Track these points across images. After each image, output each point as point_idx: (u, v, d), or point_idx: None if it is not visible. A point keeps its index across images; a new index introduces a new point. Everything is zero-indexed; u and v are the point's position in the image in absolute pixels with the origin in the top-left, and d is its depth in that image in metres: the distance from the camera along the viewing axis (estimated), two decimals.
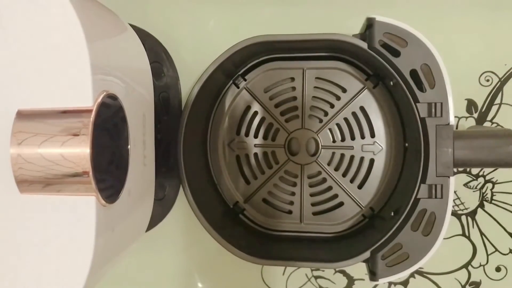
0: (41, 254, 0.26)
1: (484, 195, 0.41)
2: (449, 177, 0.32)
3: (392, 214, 0.37)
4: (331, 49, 0.38)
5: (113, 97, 0.27)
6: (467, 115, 0.41)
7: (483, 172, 0.41)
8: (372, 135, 0.40)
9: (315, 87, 0.40)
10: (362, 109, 0.40)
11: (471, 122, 0.41)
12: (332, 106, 0.40)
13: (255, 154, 0.41)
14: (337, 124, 0.40)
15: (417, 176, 0.33)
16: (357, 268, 0.37)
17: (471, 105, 0.41)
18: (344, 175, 0.40)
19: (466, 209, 0.41)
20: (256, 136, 0.41)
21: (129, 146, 0.29)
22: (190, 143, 0.38)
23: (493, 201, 0.41)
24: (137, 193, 0.32)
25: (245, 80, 0.41)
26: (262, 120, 0.41)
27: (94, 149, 0.24)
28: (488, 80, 0.40)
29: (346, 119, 0.40)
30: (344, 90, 0.40)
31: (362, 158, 0.40)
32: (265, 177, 0.41)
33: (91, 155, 0.24)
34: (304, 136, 0.40)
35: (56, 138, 0.24)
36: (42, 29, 0.25)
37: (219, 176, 0.42)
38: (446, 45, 0.39)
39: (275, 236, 0.41)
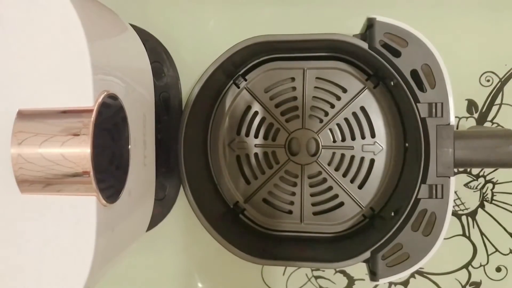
0: (41, 254, 0.26)
1: (485, 195, 0.41)
2: (449, 177, 0.32)
3: (393, 214, 0.37)
4: (331, 49, 0.38)
5: (113, 97, 0.27)
6: (468, 115, 0.41)
7: (484, 172, 0.41)
8: (373, 135, 0.40)
9: (315, 87, 0.40)
10: (362, 109, 0.40)
11: (471, 122, 0.41)
12: (332, 106, 0.40)
13: (256, 154, 0.41)
14: (338, 124, 0.40)
15: (418, 176, 0.33)
16: (358, 268, 0.37)
17: (471, 105, 0.41)
18: (344, 175, 0.40)
19: (467, 209, 0.41)
20: (256, 136, 0.41)
21: (129, 146, 0.29)
22: (191, 143, 0.38)
23: (493, 201, 0.41)
24: (138, 193, 0.32)
25: (245, 80, 0.41)
26: (263, 120, 0.41)
27: (95, 149, 0.24)
28: (488, 80, 0.40)
29: (346, 119, 0.40)
30: (344, 90, 0.40)
31: (362, 158, 0.40)
32: (266, 177, 0.41)
33: (92, 155, 0.24)
34: (305, 136, 0.40)
35: (56, 138, 0.24)
36: (42, 29, 0.25)
37: (219, 176, 0.42)
38: (447, 45, 0.39)
39: (275, 236, 0.41)
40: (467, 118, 0.41)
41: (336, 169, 0.40)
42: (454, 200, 0.41)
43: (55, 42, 0.25)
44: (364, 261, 0.34)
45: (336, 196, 0.40)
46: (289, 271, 0.43)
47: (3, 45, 0.26)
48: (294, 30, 0.36)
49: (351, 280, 0.42)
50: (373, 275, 0.33)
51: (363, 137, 0.40)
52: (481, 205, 0.41)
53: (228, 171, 0.42)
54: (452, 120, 0.32)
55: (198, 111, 0.38)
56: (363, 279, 0.42)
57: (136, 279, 0.44)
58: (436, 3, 0.40)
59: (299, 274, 0.43)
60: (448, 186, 0.32)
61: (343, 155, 0.40)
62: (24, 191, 0.25)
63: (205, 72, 0.36)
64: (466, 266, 0.41)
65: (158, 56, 0.40)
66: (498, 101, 0.40)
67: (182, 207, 0.43)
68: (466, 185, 0.41)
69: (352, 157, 0.40)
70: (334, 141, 0.40)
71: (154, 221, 0.41)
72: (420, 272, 0.42)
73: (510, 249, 0.41)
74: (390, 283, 0.42)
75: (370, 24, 0.33)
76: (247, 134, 0.41)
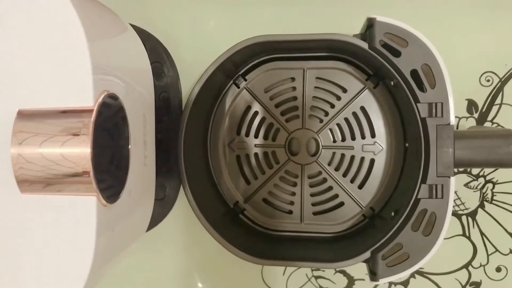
0: (41, 254, 0.26)
1: (485, 195, 0.41)
2: (449, 177, 0.32)
3: (393, 214, 0.37)
4: (331, 49, 0.38)
5: (113, 97, 0.27)
6: (468, 115, 0.41)
7: (484, 172, 0.41)
8: (373, 135, 0.40)
9: (315, 87, 0.40)
10: (362, 109, 0.40)
11: (471, 122, 0.41)
12: (332, 106, 0.40)
13: (256, 154, 0.41)
14: (338, 124, 0.40)
15: (418, 176, 0.33)
16: (358, 268, 0.37)
17: (471, 105, 0.41)
18: (344, 175, 0.40)
19: (467, 209, 0.41)
20: (256, 136, 0.41)
21: (129, 146, 0.29)
22: (191, 143, 0.38)
23: (493, 201, 0.41)
24: (138, 193, 0.32)
25: (245, 80, 0.41)
26: (263, 120, 0.41)
27: (95, 149, 0.24)
28: (488, 80, 0.40)
29: (346, 119, 0.40)
30: (344, 90, 0.40)
31: (362, 158, 0.40)
32: (266, 177, 0.41)
33: (92, 155, 0.24)
34: (305, 136, 0.40)
35: (56, 138, 0.24)
36: (42, 29, 0.25)
37: (219, 176, 0.42)
38: (447, 45, 0.39)
39: (275, 236, 0.41)
40: (467, 118, 0.41)
41: (336, 169, 0.40)
42: (454, 200, 0.41)
43: (55, 42, 0.25)
44: (364, 261, 0.34)
45: (336, 196, 0.40)
46: (289, 271, 0.43)
47: (3, 45, 0.26)
48: (294, 30, 0.36)
49: (351, 280, 0.42)
50: (373, 275, 0.33)
51: (363, 137, 0.40)
52: (481, 205, 0.41)
53: (228, 171, 0.42)
54: (452, 120, 0.32)
55: (198, 111, 0.38)
56: (363, 279, 0.42)
57: (136, 279, 0.44)
58: (436, 3, 0.40)
59: (299, 274, 0.43)
60: (448, 186, 0.32)
61: (343, 155, 0.40)
62: (24, 191, 0.25)
63: (205, 72, 0.36)
64: (466, 266, 0.41)
65: (158, 56, 0.40)
66: (498, 101, 0.40)
67: (182, 207, 0.43)
68: (466, 185, 0.41)
69: (352, 157, 0.40)
70: (334, 141, 0.40)
71: (154, 221, 0.41)
72: (420, 272, 0.42)
73: (510, 249, 0.41)
74: (390, 283, 0.42)
75: (370, 24, 0.33)
76: (247, 134, 0.41)
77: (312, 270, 0.43)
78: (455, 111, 0.32)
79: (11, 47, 0.26)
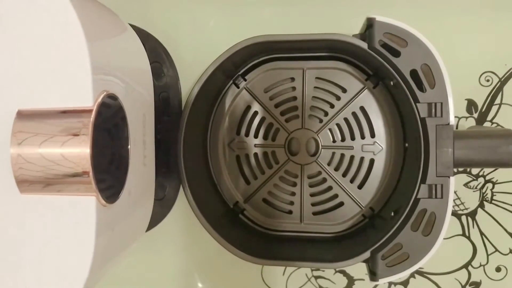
0: (41, 254, 0.26)
1: (484, 195, 0.41)
2: (449, 177, 0.32)
3: (392, 214, 0.37)
4: (331, 49, 0.38)
5: (113, 97, 0.27)
6: (467, 115, 0.41)
7: (483, 172, 0.41)
8: (372, 135, 0.40)
9: (315, 87, 0.40)
10: (362, 109, 0.40)
11: (471, 122, 0.41)
12: (332, 106, 0.40)
13: (255, 154, 0.41)
14: (337, 124, 0.40)
15: (417, 176, 0.33)
16: (357, 268, 0.37)
17: (471, 105, 0.41)
18: (344, 175, 0.40)
19: (466, 209, 0.41)
20: (256, 136, 0.41)
21: (129, 146, 0.29)
22: (190, 143, 0.38)
23: (493, 201, 0.41)
24: (137, 193, 0.32)
25: (245, 80, 0.41)
26: (262, 120, 0.41)
27: (94, 149, 0.24)
28: (488, 80, 0.40)
29: (346, 119, 0.40)
30: (344, 90, 0.40)
31: (362, 158, 0.40)
32: (265, 177, 0.41)
33: (91, 155, 0.24)
34: (304, 136, 0.40)
35: (56, 138, 0.24)
36: (42, 29, 0.25)
37: (219, 176, 0.42)
38: (446, 45, 0.39)
39: (275, 236, 0.41)
40: (466, 118, 0.41)
41: (336, 169, 0.40)
42: (454, 200, 0.41)
43: (55, 42, 0.25)
44: (364, 261, 0.34)
45: (336, 196, 0.40)
46: (289, 271, 0.43)
47: (3, 45, 0.26)
48: (294, 30, 0.36)
49: (351, 280, 0.42)
50: (373, 275, 0.34)
51: (362, 137, 0.40)
52: (481, 205, 0.41)
53: (228, 171, 0.42)
54: (452, 120, 0.32)
55: (197, 111, 0.38)
56: (363, 279, 0.42)
57: (136, 279, 0.45)
58: (436, 3, 0.40)
59: (299, 274, 0.43)
60: (447, 186, 0.32)
61: (342, 155, 0.40)
62: (23, 191, 0.25)
63: (205, 72, 0.36)
64: (466, 266, 0.41)
65: (158, 56, 0.40)
66: (497, 101, 0.40)
67: (182, 207, 0.43)
68: (466, 185, 0.41)
69: (352, 157, 0.40)
70: (334, 141, 0.40)
71: (154, 221, 0.41)
72: (420, 272, 0.42)
73: (510, 249, 0.41)
74: (390, 283, 0.42)
75: (370, 24, 0.33)
76: (247, 134, 0.41)
77: (312, 270, 0.43)
78: (454, 111, 0.32)
79: (11, 47, 0.26)
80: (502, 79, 0.40)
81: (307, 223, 0.41)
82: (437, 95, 0.32)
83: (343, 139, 0.40)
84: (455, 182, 0.33)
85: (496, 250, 0.41)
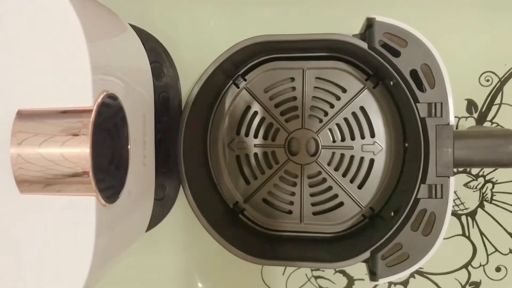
0: (41, 254, 0.26)
1: (484, 195, 0.41)
2: (449, 177, 0.32)
3: (392, 214, 0.37)
4: (331, 49, 0.38)
5: (113, 97, 0.27)
6: (467, 115, 0.41)
7: (483, 172, 0.41)
8: (372, 135, 0.40)
9: (315, 87, 0.40)
10: (362, 109, 0.40)
11: (471, 122, 0.41)
12: (332, 106, 0.40)
13: (255, 154, 0.41)
14: (337, 124, 0.40)
15: (417, 176, 0.33)
16: (357, 268, 0.37)
17: (471, 105, 0.41)
18: (344, 175, 0.40)
19: (466, 209, 0.41)
20: (256, 136, 0.41)
21: (129, 146, 0.29)
22: (190, 143, 0.38)
23: (493, 201, 0.41)
24: (137, 193, 0.32)
25: (245, 80, 0.41)
26: (262, 120, 0.41)
27: (94, 149, 0.24)
28: (488, 80, 0.40)
29: (346, 119, 0.40)
30: (344, 90, 0.40)
31: (362, 158, 0.40)
32: (265, 177, 0.41)
33: (91, 155, 0.24)
34: (304, 136, 0.40)
35: (56, 138, 0.24)
36: (42, 29, 0.25)
37: (219, 176, 0.42)
38: (446, 45, 0.39)
39: (275, 236, 0.41)
40: (466, 118, 0.41)
41: (336, 169, 0.40)
42: (454, 200, 0.41)
43: (55, 42, 0.25)
44: (363, 261, 0.34)
45: (335, 196, 0.40)
46: (288, 271, 0.43)
47: (3, 45, 0.26)
48: (294, 30, 0.36)
49: (350, 280, 0.42)
50: (373, 275, 0.34)
51: (362, 137, 0.40)
52: (481, 205, 0.41)
53: (228, 171, 0.42)
54: (452, 120, 0.32)
55: (197, 111, 0.38)
56: (363, 279, 0.42)
57: (136, 279, 0.45)
58: (436, 3, 0.40)
59: (299, 274, 0.43)
60: (447, 186, 0.32)
61: (342, 155, 0.40)
62: (23, 191, 0.25)
63: (205, 72, 0.36)
64: (465, 266, 0.41)
65: (158, 56, 0.40)
66: (497, 100, 0.40)
67: (182, 207, 0.43)
68: (465, 185, 0.41)
69: (352, 157, 0.40)
70: (334, 141, 0.40)
71: (154, 221, 0.41)
72: (419, 272, 0.42)
73: (509, 249, 0.41)
74: (390, 283, 0.42)
75: (370, 24, 0.33)
76: (247, 134, 0.41)
77: (312, 270, 0.43)
78: (454, 111, 0.32)
79: (11, 47, 0.26)
80: (502, 79, 0.40)
81: (307, 223, 0.41)
82: (437, 95, 0.32)
83: (343, 139, 0.40)
84: (455, 182, 0.33)
85: (496, 250, 0.41)
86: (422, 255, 0.33)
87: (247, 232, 0.41)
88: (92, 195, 0.25)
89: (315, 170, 0.41)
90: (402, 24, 0.33)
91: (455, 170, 0.33)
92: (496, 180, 0.41)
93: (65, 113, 0.25)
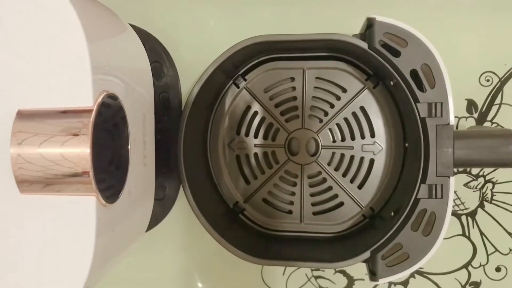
0: (41, 254, 0.26)
1: (484, 195, 0.41)
2: (449, 177, 0.32)
3: (392, 214, 0.37)
4: (331, 49, 0.38)
5: (113, 97, 0.27)
6: (467, 115, 0.41)
7: (483, 172, 0.41)
8: (372, 135, 0.40)
9: (315, 87, 0.40)
10: (362, 109, 0.40)
11: (471, 122, 0.41)
12: (332, 106, 0.40)
13: (255, 154, 0.41)
14: (337, 124, 0.40)
15: (417, 176, 0.33)
16: (357, 268, 0.37)
17: (471, 105, 0.41)
18: (344, 175, 0.40)
19: (466, 209, 0.41)
20: (256, 136, 0.41)
21: (129, 146, 0.29)
22: (190, 143, 0.38)
23: (493, 201, 0.41)
24: (137, 193, 0.32)
25: (245, 80, 0.41)
26: (262, 120, 0.41)
27: (94, 149, 0.24)
28: (488, 80, 0.40)
29: (346, 119, 0.40)
30: (344, 90, 0.40)
31: (362, 158, 0.40)
32: (265, 177, 0.41)
33: (91, 155, 0.24)
34: (304, 136, 0.40)
35: (56, 138, 0.24)
36: (42, 29, 0.25)
37: (219, 176, 0.42)
38: (446, 45, 0.39)
39: (275, 236, 0.41)
40: (466, 118, 0.41)
41: (336, 169, 0.40)
42: (454, 200, 0.41)
43: (55, 42, 0.25)
44: (364, 261, 0.34)
45: (336, 196, 0.40)
46: (289, 271, 0.43)
47: (3, 45, 0.26)
48: (294, 30, 0.36)
49: (351, 280, 0.42)
50: (373, 275, 0.34)
51: (362, 137, 0.40)
52: (481, 205, 0.41)
53: (228, 171, 0.42)
54: (452, 120, 0.32)
55: (197, 111, 0.38)
56: (363, 279, 0.42)
57: (136, 279, 0.45)
58: (436, 3, 0.40)
59: (299, 274, 0.43)
60: (447, 186, 0.32)
61: (342, 155, 0.40)
62: (23, 191, 0.25)
63: (205, 72, 0.36)
64: (465, 266, 0.41)
65: (158, 56, 0.40)
66: (497, 101, 0.40)
67: (182, 207, 0.43)
68: (465, 185, 0.41)
69: (352, 157, 0.40)
70: (334, 141, 0.40)
71: (154, 221, 0.41)
72: (419, 272, 0.42)
73: (510, 249, 0.41)
74: (390, 283, 0.42)
75: (370, 24, 0.33)
76: (247, 134, 0.41)
77: (312, 270, 0.43)
78: (454, 111, 0.32)
79: (11, 47, 0.26)
80: (502, 79, 0.40)
81: (307, 223, 0.41)
82: (437, 95, 0.32)
83: (343, 139, 0.40)
84: (455, 182, 0.33)
85: (496, 250, 0.41)
86: (422, 255, 0.33)
87: (247, 232, 0.41)
88: (92, 195, 0.25)
89: (315, 170, 0.41)
90: (402, 24, 0.33)
91: (455, 170, 0.33)
92: (496, 180, 0.41)
93: (65, 113, 0.25)
